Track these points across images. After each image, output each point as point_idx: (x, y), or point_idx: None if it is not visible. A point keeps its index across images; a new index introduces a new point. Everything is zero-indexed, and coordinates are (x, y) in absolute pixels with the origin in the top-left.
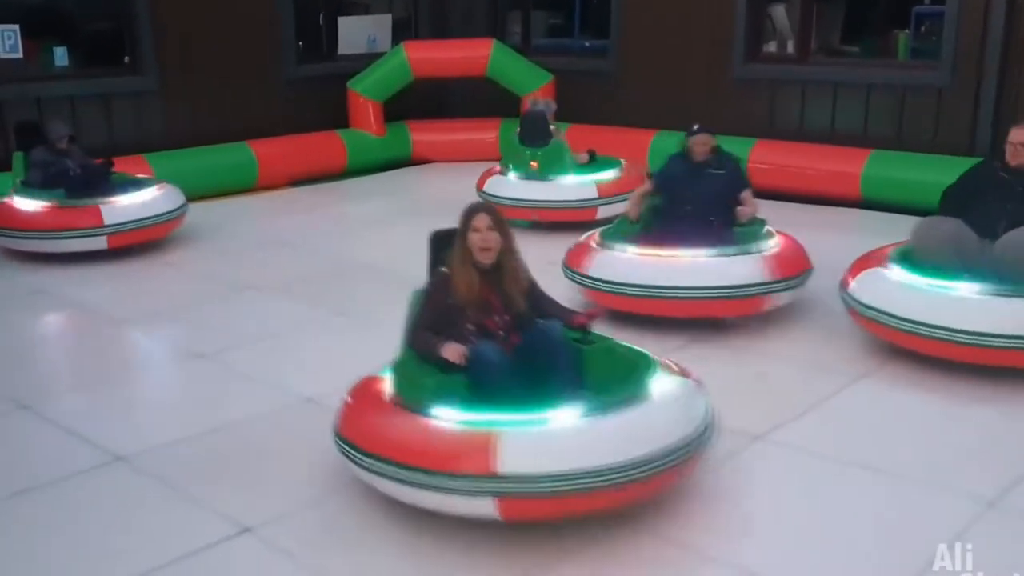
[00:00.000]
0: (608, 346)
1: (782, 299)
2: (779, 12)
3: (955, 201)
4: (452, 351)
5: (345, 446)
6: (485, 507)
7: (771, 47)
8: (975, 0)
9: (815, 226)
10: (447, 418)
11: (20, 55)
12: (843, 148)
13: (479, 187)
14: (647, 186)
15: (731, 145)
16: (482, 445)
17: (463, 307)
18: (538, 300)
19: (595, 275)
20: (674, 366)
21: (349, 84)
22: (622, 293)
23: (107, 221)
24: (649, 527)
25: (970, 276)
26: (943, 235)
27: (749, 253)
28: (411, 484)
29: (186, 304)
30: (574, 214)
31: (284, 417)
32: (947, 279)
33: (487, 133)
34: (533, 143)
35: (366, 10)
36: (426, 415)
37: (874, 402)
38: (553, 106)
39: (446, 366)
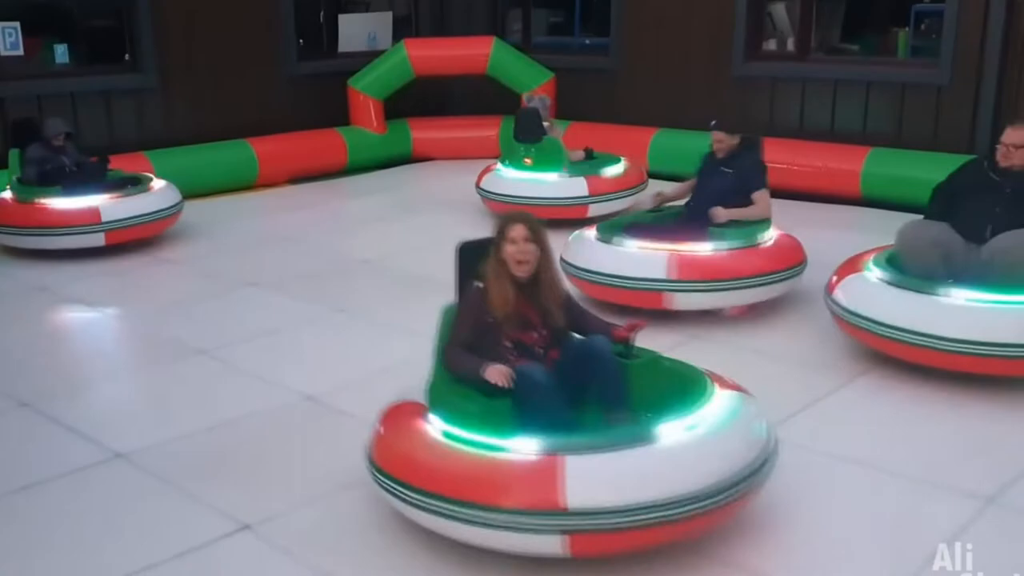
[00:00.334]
0: (652, 360)
1: (739, 298)
2: (779, 10)
3: (943, 201)
4: (497, 374)
5: (385, 479)
6: (552, 545)
7: (771, 45)
8: None
9: (814, 224)
10: (502, 447)
11: (21, 52)
12: (843, 146)
13: (477, 183)
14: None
15: None
16: (547, 477)
17: (499, 323)
18: (575, 313)
19: (570, 262)
20: (726, 380)
21: (350, 82)
22: (589, 280)
23: (105, 218)
24: None
25: (956, 281)
26: (928, 239)
27: (716, 251)
28: (464, 521)
29: (186, 301)
30: (565, 211)
31: (283, 414)
32: (931, 284)
33: (488, 131)
34: (527, 140)
35: (367, 7)
36: (475, 445)
37: (871, 400)
38: (548, 102)
39: (488, 389)
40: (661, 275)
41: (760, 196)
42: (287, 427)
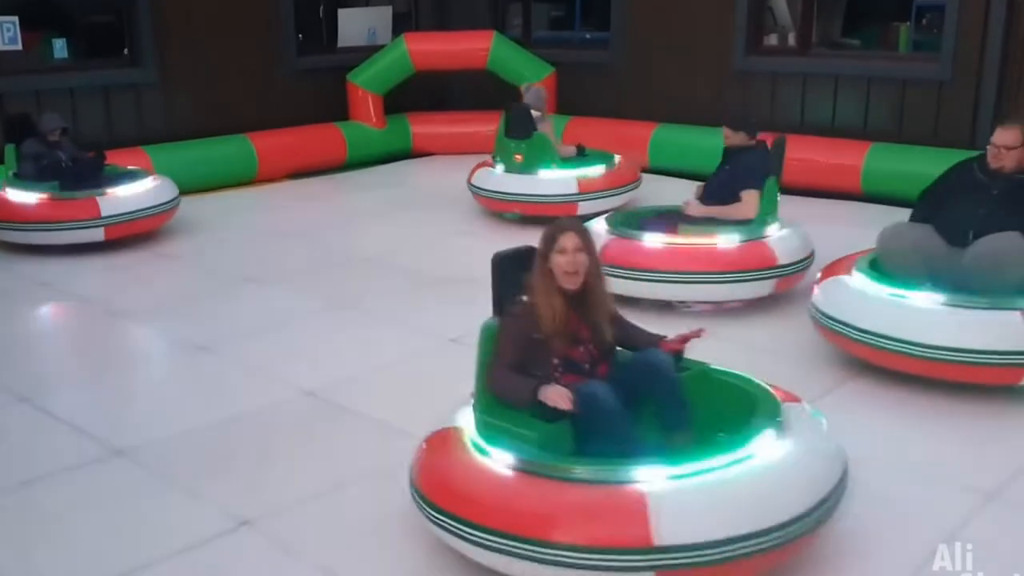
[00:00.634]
0: (704, 372)
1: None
2: (780, 4)
3: (931, 202)
4: (558, 395)
5: (440, 516)
6: None
7: (772, 40)
8: None
9: (814, 219)
10: (580, 478)
11: (19, 47)
12: (844, 141)
13: (469, 179)
14: None
15: None
16: (633, 510)
17: (548, 340)
18: (622, 326)
19: None
20: (788, 394)
21: (349, 76)
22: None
23: (104, 213)
24: None
25: (937, 286)
26: (909, 243)
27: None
28: (540, 560)
29: (186, 296)
30: (554, 209)
31: (283, 410)
32: (905, 288)
33: (488, 126)
34: (517, 136)
35: (366, 2)
36: (547, 476)
37: (869, 399)
38: (543, 94)
39: (541, 412)
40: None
41: (746, 196)
42: (287, 423)
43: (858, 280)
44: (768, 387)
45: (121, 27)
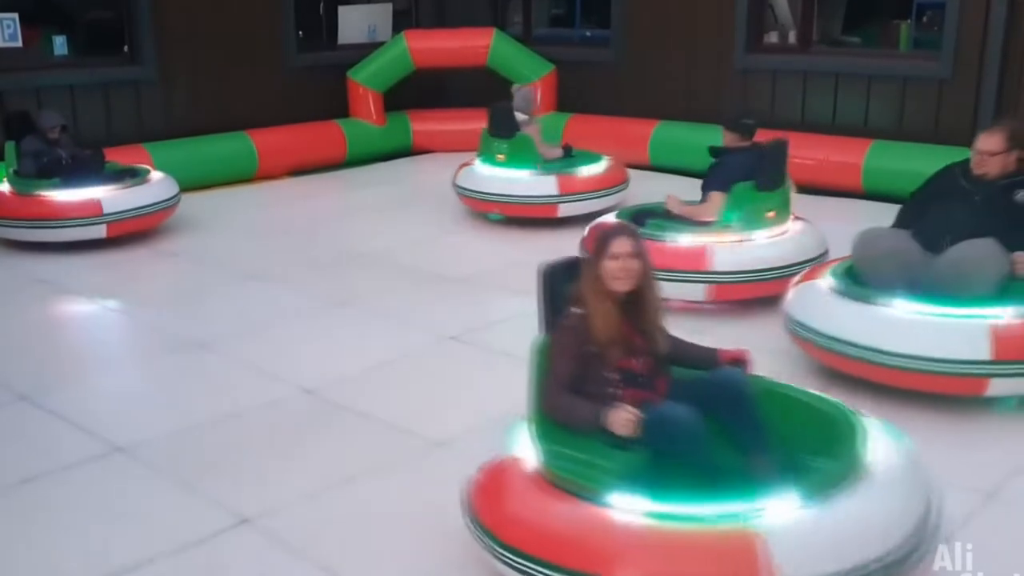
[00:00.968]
0: (768, 389)
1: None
2: (781, 2)
3: (915, 208)
4: (623, 422)
5: (521, 560)
6: None
7: (772, 37)
8: None
9: (815, 217)
10: (678, 516)
11: (19, 44)
12: (844, 139)
13: (453, 179)
14: None
15: None
16: (744, 553)
17: (603, 351)
18: (672, 339)
19: None
20: (860, 410)
21: (349, 74)
22: None
23: (107, 210)
24: None
25: (911, 293)
26: (884, 249)
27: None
28: None
29: (186, 293)
30: (534, 210)
31: (284, 408)
32: (873, 296)
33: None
34: (500, 135)
35: None
36: (636, 514)
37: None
38: (531, 95)
39: (613, 438)
40: None
41: (710, 197)
42: (286, 420)
43: (827, 285)
44: (841, 403)
45: (121, 24)
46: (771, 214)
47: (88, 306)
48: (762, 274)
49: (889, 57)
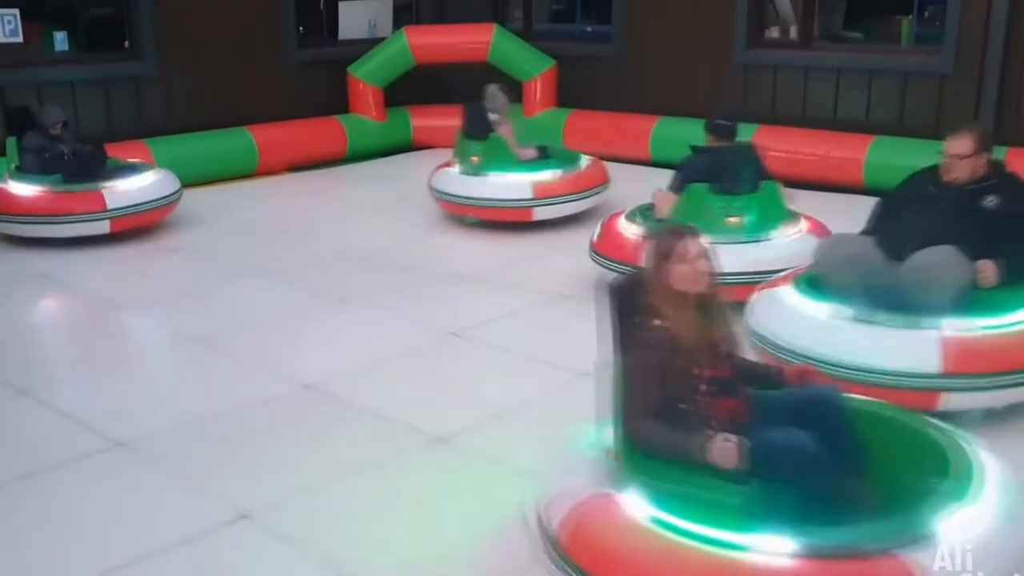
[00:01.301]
0: (861, 408)
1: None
2: None
3: (882, 213)
4: (727, 453)
5: None
6: None
7: (773, 33)
8: None
9: (816, 213)
10: (825, 551)
11: (20, 39)
12: (846, 134)
13: (429, 181)
14: None
15: None
16: None
17: (691, 358)
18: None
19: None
20: (950, 428)
21: (349, 69)
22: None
23: (110, 205)
24: None
25: (869, 302)
26: (844, 256)
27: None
28: None
29: (186, 289)
30: (508, 214)
31: (283, 403)
32: (835, 305)
33: None
34: (475, 136)
35: None
36: (775, 554)
37: None
38: (500, 95)
39: (710, 469)
40: None
41: (656, 195)
42: (287, 416)
43: (784, 294)
44: (928, 418)
45: (122, 20)
46: (735, 219)
47: (89, 301)
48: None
49: (891, 52)
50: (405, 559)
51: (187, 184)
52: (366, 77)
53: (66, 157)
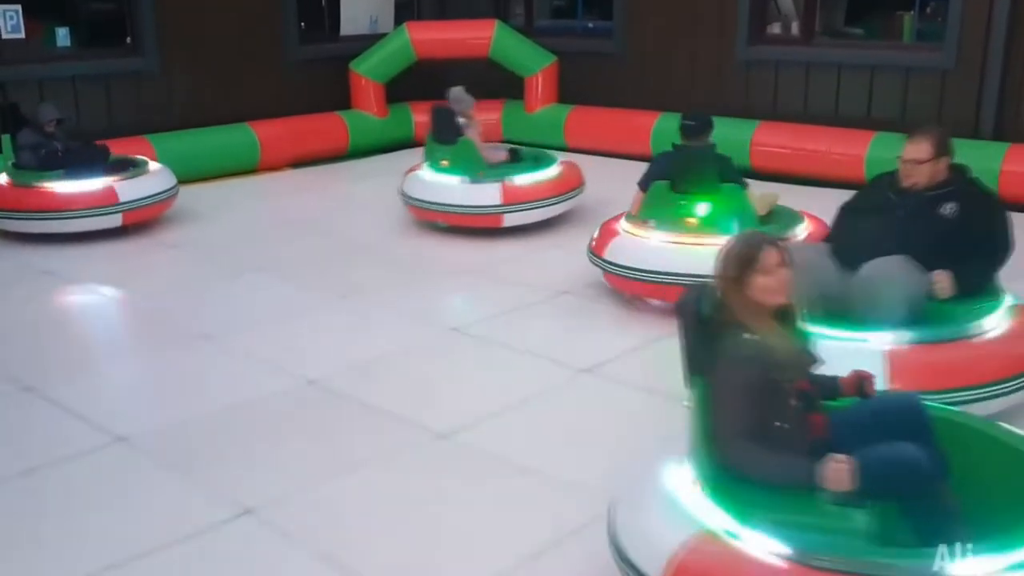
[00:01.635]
0: (942, 416)
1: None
2: None
3: (842, 221)
4: (838, 475)
5: None
6: None
7: (775, 29)
8: None
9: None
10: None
11: (22, 35)
12: (847, 130)
13: (399, 185)
14: None
15: (734, 127)
16: None
17: (785, 373)
18: None
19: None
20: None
21: (351, 65)
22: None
23: (123, 199)
24: None
25: (818, 313)
26: (797, 263)
27: None
28: None
29: (188, 285)
30: (476, 220)
31: (285, 398)
32: None
33: (489, 115)
34: (444, 140)
35: None
36: None
37: None
38: (464, 96)
39: (820, 493)
40: None
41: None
42: (289, 411)
43: None
44: (1002, 424)
45: (123, 16)
46: (692, 220)
47: (92, 297)
48: (651, 275)
49: (892, 48)
50: (406, 555)
51: (189, 180)
52: (368, 73)
53: (60, 154)
